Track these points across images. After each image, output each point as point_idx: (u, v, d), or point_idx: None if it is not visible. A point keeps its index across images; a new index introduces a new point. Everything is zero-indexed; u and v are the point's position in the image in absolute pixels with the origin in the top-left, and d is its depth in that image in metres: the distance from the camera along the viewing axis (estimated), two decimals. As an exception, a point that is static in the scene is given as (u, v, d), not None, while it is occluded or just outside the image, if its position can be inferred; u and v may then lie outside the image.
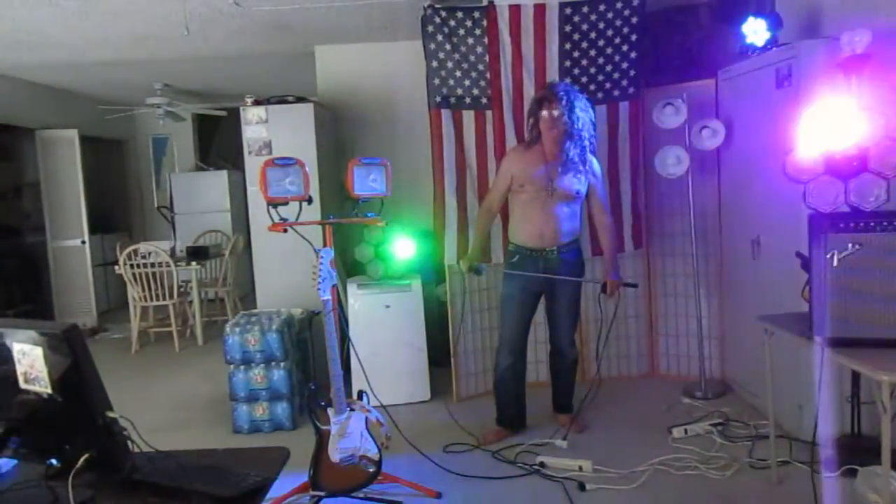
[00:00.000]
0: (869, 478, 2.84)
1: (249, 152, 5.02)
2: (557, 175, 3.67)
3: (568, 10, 4.38)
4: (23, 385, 1.46)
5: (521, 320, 3.87)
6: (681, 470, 3.39)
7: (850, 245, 2.49)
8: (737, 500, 3.11)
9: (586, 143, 3.68)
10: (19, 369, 1.46)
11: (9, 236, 7.71)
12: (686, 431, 3.81)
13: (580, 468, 3.42)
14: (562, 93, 3.60)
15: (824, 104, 3.17)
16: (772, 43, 3.89)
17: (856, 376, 3.29)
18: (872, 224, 2.50)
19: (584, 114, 3.64)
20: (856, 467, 3.06)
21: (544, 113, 3.63)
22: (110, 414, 1.45)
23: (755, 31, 3.93)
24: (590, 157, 3.77)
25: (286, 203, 3.31)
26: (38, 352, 1.42)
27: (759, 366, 3.44)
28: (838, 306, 2.51)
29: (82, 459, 1.43)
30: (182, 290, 6.85)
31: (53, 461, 1.53)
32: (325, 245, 3.36)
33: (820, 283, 2.54)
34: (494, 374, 3.99)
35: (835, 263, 2.49)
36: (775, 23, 3.92)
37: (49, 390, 1.43)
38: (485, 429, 3.97)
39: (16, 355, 1.45)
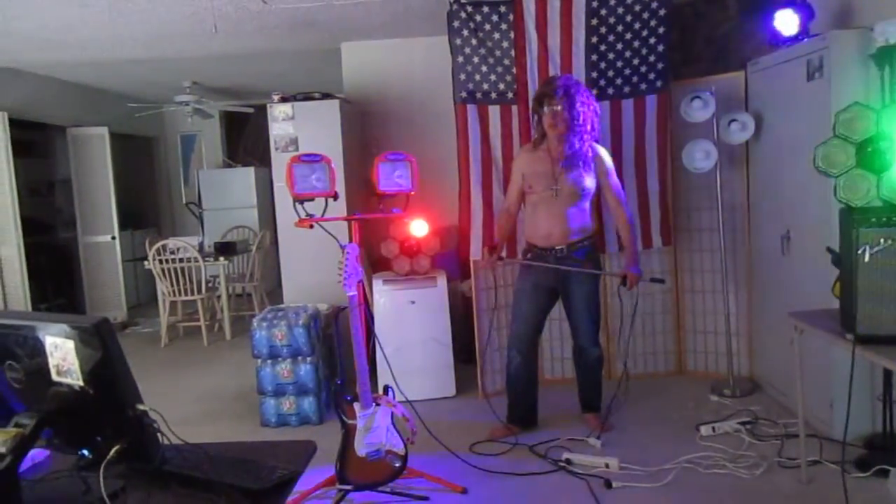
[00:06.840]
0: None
1: (276, 149, 5.06)
2: (563, 173, 3.65)
3: (594, 4, 4.34)
4: (55, 377, 1.49)
5: (531, 317, 3.85)
6: (709, 468, 3.35)
7: (882, 240, 2.44)
8: (765, 500, 3.07)
9: (587, 136, 3.64)
10: (52, 362, 1.48)
11: (41, 232, 7.85)
12: (714, 429, 3.77)
13: (607, 466, 3.40)
14: (560, 89, 3.56)
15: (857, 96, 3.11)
16: (803, 34, 3.81)
17: (888, 375, 3.23)
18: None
19: (586, 107, 3.60)
20: (887, 467, 3.01)
21: (545, 110, 3.61)
22: (140, 406, 1.46)
23: (786, 21, 3.85)
24: (596, 147, 3.74)
25: (312, 199, 3.34)
26: (70, 345, 1.44)
27: (789, 363, 3.40)
28: (870, 302, 2.46)
29: (113, 451, 1.45)
30: (210, 285, 6.94)
31: (85, 452, 1.55)
32: (350, 241, 3.37)
33: (851, 279, 2.50)
34: (506, 372, 3.98)
35: (866, 259, 2.44)
36: (806, 13, 3.84)
37: (81, 383, 1.45)
38: (495, 425, 3.97)
39: (48, 348, 1.47)
